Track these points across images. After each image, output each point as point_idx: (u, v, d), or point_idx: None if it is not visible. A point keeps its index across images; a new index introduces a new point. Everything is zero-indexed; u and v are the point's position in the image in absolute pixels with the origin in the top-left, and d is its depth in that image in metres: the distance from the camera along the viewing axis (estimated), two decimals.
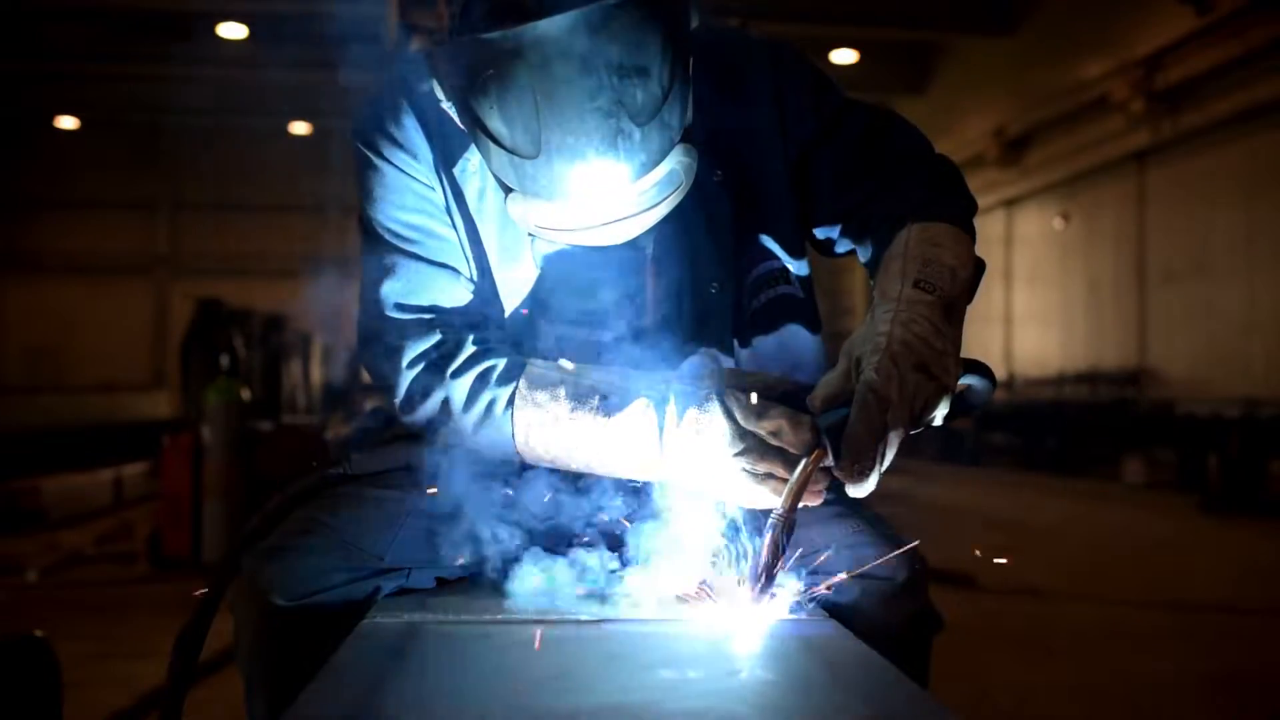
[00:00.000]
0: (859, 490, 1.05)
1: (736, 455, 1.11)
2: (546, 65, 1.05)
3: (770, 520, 1.07)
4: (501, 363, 1.24)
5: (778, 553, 1.06)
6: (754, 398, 1.12)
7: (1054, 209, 14.09)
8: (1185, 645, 4.15)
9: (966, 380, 1.18)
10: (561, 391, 1.19)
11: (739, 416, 1.11)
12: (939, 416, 1.09)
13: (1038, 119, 13.54)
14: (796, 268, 1.41)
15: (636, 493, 1.26)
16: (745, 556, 1.12)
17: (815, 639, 1.04)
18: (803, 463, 1.07)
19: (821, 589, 1.22)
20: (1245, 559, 6.55)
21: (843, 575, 1.22)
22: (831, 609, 1.18)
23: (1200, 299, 11.45)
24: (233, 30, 13.32)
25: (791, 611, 1.13)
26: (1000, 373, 14.51)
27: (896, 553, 1.25)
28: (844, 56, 14.21)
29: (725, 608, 1.11)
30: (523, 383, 1.21)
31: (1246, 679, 3.67)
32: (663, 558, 1.19)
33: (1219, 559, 6.55)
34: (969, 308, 1.20)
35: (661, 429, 1.14)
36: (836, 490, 1.14)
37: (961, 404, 1.18)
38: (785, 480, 1.08)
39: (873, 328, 1.09)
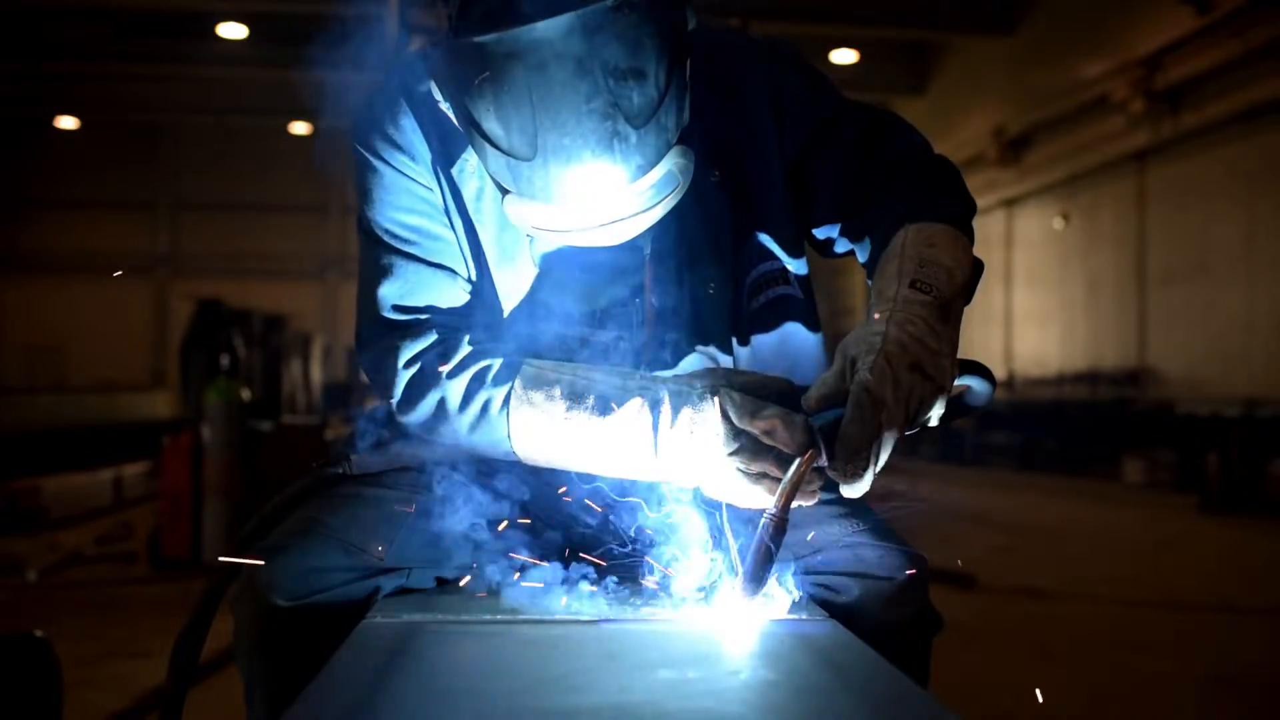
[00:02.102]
0: (853, 491, 1.06)
1: (731, 455, 1.11)
2: (542, 67, 1.05)
3: (762, 520, 1.07)
4: (497, 362, 1.24)
5: (769, 552, 1.06)
6: (748, 397, 1.12)
7: (1054, 209, 14.09)
8: (1185, 645, 4.15)
9: (966, 381, 1.18)
10: (557, 391, 1.19)
11: (733, 416, 1.12)
12: (934, 417, 1.09)
13: (1038, 119, 13.54)
14: (795, 268, 1.41)
15: (633, 493, 1.26)
16: (739, 556, 1.12)
17: (815, 639, 1.04)
18: (796, 463, 1.07)
19: (821, 589, 1.22)
20: (1245, 559, 6.55)
21: (842, 574, 1.22)
22: (831, 609, 1.18)
23: (1200, 299, 11.44)
24: (233, 30, 13.34)
25: (791, 611, 1.14)
26: (1000, 373, 14.54)
27: (895, 552, 1.25)
28: (844, 56, 14.21)
29: (720, 607, 1.11)
30: (518, 382, 1.21)
31: (1246, 679, 3.68)
32: (660, 558, 1.19)
33: (1219, 559, 6.55)
34: (968, 308, 1.20)
35: (656, 429, 1.15)
36: (836, 490, 1.14)
37: (961, 405, 1.18)
38: (779, 480, 1.09)
39: (868, 328, 1.10)
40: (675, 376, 1.19)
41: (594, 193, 1.11)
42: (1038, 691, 3.23)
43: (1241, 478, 8.80)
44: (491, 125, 1.10)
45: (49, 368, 18.51)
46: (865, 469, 1.03)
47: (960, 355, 1.15)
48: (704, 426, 1.12)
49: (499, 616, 1.12)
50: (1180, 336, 11.79)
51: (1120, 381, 12.49)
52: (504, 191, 1.17)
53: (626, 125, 1.08)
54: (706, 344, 1.34)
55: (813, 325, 1.42)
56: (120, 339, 19.65)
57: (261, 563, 1.22)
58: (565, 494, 1.30)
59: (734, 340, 1.35)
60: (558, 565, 1.22)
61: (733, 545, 1.17)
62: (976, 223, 1.28)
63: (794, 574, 1.20)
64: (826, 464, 1.06)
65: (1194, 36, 10.68)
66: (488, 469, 1.31)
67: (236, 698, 1.29)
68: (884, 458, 1.05)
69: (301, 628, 1.18)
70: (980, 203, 1.31)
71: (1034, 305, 14.73)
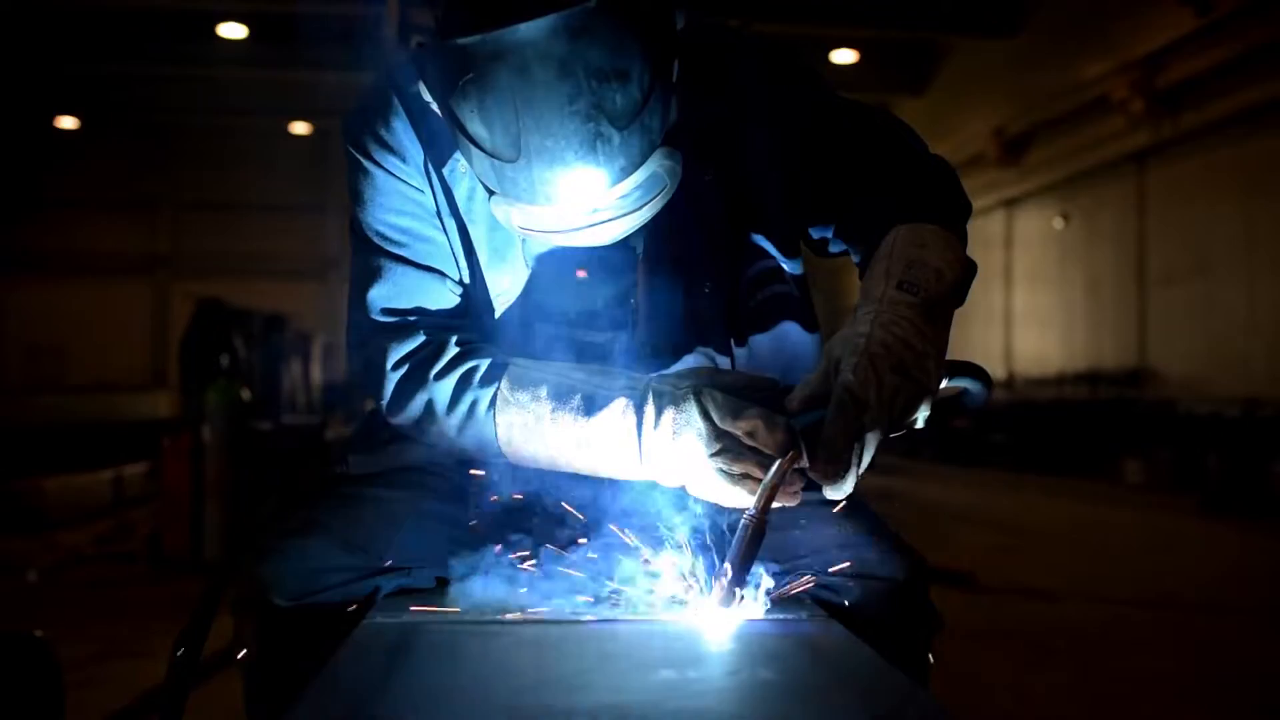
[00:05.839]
0: (835, 492, 1.05)
1: (712, 456, 1.11)
2: (525, 69, 1.06)
3: (742, 521, 1.07)
4: (485, 363, 1.24)
5: (748, 553, 1.06)
6: (730, 398, 1.12)
7: (1054, 209, 14.08)
8: (1185, 645, 4.15)
9: (961, 383, 1.17)
10: (543, 391, 1.19)
11: (715, 417, 1.11)
12: (920, 419, 1.09)
13: (1038, 119, 13.53)
14: (791, 267, 1.41)
15: (628, 492, 1.26)
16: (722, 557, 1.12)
17: (815, 639, 1.04)
18: (776, 464, 1.07)
19: (821, 589, 1.22)
20: (1245, 559, 6.55)
21: (842, 574, 1.22)
22: (831, 609, 1.18)
23: (1200, 299, 11.44)
24: (233, 30, 13.32)
25: (791, 612, 1.14)
26: (1000, 373, 14.55)
27: (896, 553, 1.25)
28: (844, 56, 14.20)
29: (711, 607, 1.11)
30: (505, 383, 1.21)
31: (1246, 679, 3.68)
32: (653, 558, 1.19)
33: (1219, 559, 6.55)
34: (968, 308, 1.20)
35: (640, 430, 1.15)
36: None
37: (958, 407, 1.18)
38: (761, 481, 1.09)
39: (853, 329, 1.10)
40: (660, 376, 1.19)
41: (578, 194, 1.11)
42: None
43: (1241, 478, 8.81)
44: (476, 127, 1.10)
45: (49, 368, 18.49)
46: (847, 470, 1.03)
47: (959, 356, 1.15)
48: (686, 428, 1.12)
49: (499, 616, 1.12)
50: (1180, 336, 11.79)
51: (1120, 381, 12.49)
52: (491, 192, 1.17)
53: (610, 127, 1.08)
54: (704, 343, 1.34)
55: (809, 324, 1.42)
56: (120, 339, 19.63)
57: (261, 563, 1.22)
58: (561, 494, 1.30)
59: (731, 340, 1.35)
60: (557, 565, 1.23)
61: (718, 546, 1.17)
62: (976, 223, 1.28)
63: (789, 574, 1.20)
64: (808, 465, 1.06)
65: (1194, 37, 10.67)
66: (486, 468, 1.31)
67: (236, 698, 1.29)
68: (867, 459, 1.04)
69: (301, 628, 1.18)
70: (980, 203, 1.31)
71: (1034, 305, 14.73)
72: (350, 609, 1.19)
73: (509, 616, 1.12)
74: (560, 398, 1.18)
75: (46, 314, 19.39)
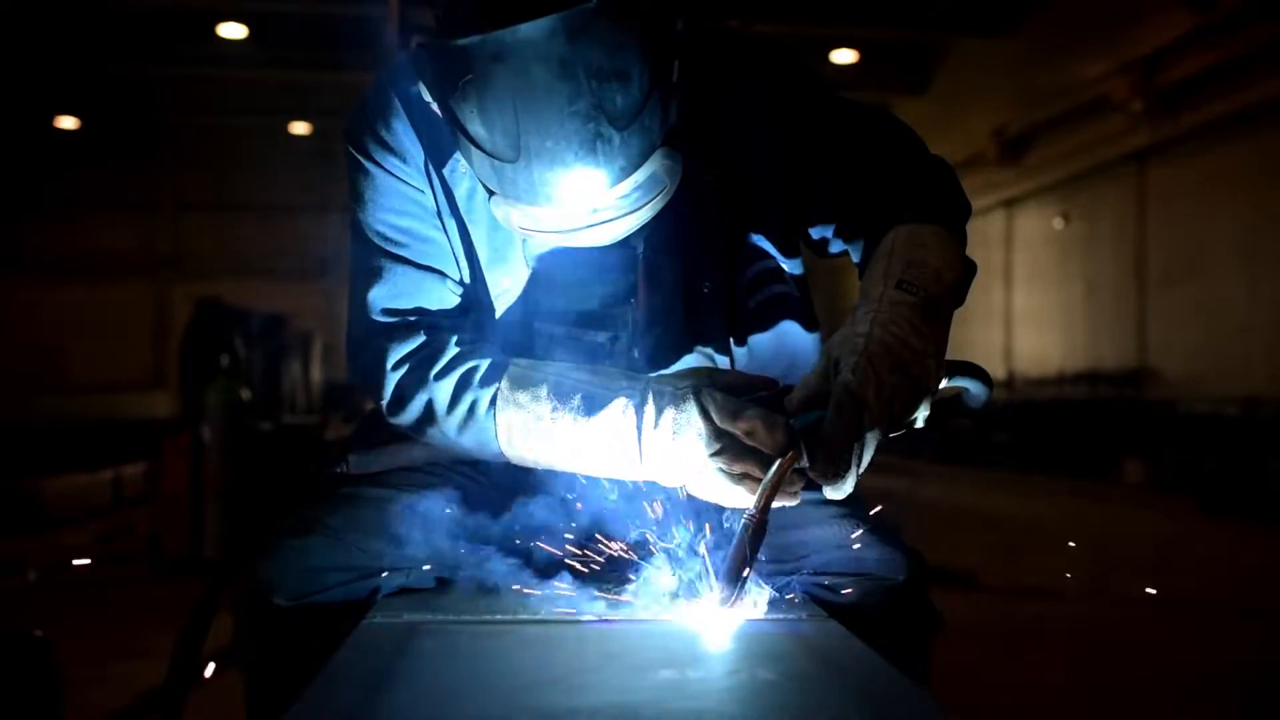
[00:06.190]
0: (835, 492, 1.06)
1: (712, 456, 1.11)
2: (525, 70, 1.06)
3: (742, 521, 1.07)
4: (485, 363, 1.24)
5: (748, 553, 1.06)
6: (730, 398, 1.12)
7: (1054, 209, 14.08)
8: (1185, 645, 4.15)
9: (962, 383, 1.18)
10: (543, 391, 1.19)
11: (715, 417, 1.12)
12: (920, 418, 1.09)
13: (1038, 119, 13.52)
14: (791, 267, 1.41)
15: (628, 492, 1.26)
16: (720, 557, 1.12)
17: (815, 639, 1.04)
18: (776, 464, 1.07)
19: (821, 589, 1.22)
20: (1245, 559, 6.55)
21: (842, 574, 1.22)
22: (831, 609, 1.18)
23: (1200, 299, 11.44)
24: (233, 30, 13.33)
25: (791, 612, 1.14)
26: (1000, 372, 14.54)
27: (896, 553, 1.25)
28: (844, 56, 14.20)
29: (703, 607, 1.11)
30: (505, 383, 1.21)
31: (1246, 679, 3.68)
32: (655, 558, 1.19)
33: (1218, 559, 6.55)
34: (968, 308, 1.20)
35: (640, 430, 1.15)
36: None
37: (958, 407, 1.18)
38: (760, 481, 1.09)
39: (853, 329, 1.10)
40: (660, 376, 1.19)
41: (578, 195, 1.11)
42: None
43: (1241, 477, 8.80)
44: (475, 127, 1.10)
45: (49, 368, 18.50)
46: (846, 470, 1.03)
47: (959, 356, 1.15)
48: (686, 428, 1.12)
49: (499, 616, 1.12)
50: (1180, 336, 11.78)
51: (1120, 381, 12.49)
52: (491, 192, 1.17)
53: (609, 127, 1.08)
54: (704, 344, 1.34)
55: (810, 324, 1.42)
56: (120, 339, 19.63)
57: (261, 563, 1.22)
58: (561, 494, 1.30)
59: (731, 340, 1.35)
60: (556, 565, 1.23)
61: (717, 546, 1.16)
62: (976, 223, 1.28)
63: (789, 574, 1.20)
64: (808, 465, 1.06)
65: (1194, 37, 10.67)
66: (485, 467, 1.31)
67: (236, 698, 1.29)
68: (866, 459, 1.05)
69: (301, 628, 1.18)
70: (980, 203, 1.32)
71: (1034, 305, 14.72)
72: (350, 609, 1.19)
73: (509, 616, 1.12)
74: (560, 398, 1.18)
75: (46, 314, 19.38)
